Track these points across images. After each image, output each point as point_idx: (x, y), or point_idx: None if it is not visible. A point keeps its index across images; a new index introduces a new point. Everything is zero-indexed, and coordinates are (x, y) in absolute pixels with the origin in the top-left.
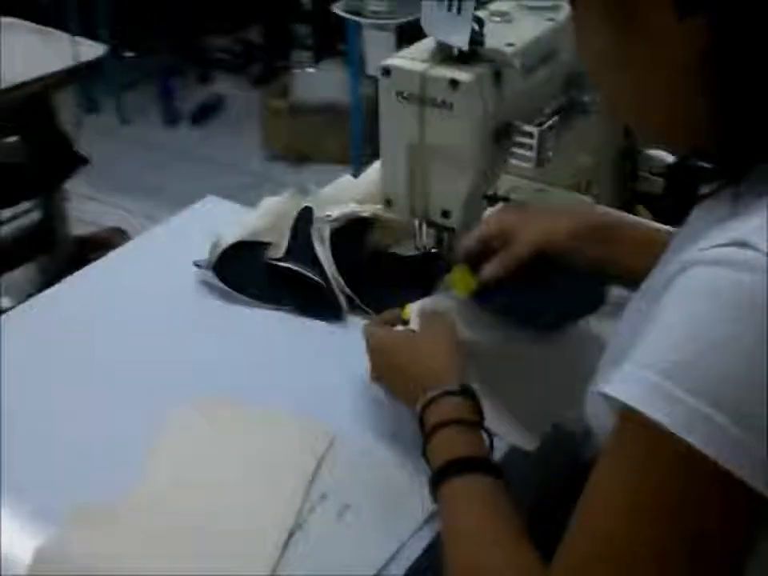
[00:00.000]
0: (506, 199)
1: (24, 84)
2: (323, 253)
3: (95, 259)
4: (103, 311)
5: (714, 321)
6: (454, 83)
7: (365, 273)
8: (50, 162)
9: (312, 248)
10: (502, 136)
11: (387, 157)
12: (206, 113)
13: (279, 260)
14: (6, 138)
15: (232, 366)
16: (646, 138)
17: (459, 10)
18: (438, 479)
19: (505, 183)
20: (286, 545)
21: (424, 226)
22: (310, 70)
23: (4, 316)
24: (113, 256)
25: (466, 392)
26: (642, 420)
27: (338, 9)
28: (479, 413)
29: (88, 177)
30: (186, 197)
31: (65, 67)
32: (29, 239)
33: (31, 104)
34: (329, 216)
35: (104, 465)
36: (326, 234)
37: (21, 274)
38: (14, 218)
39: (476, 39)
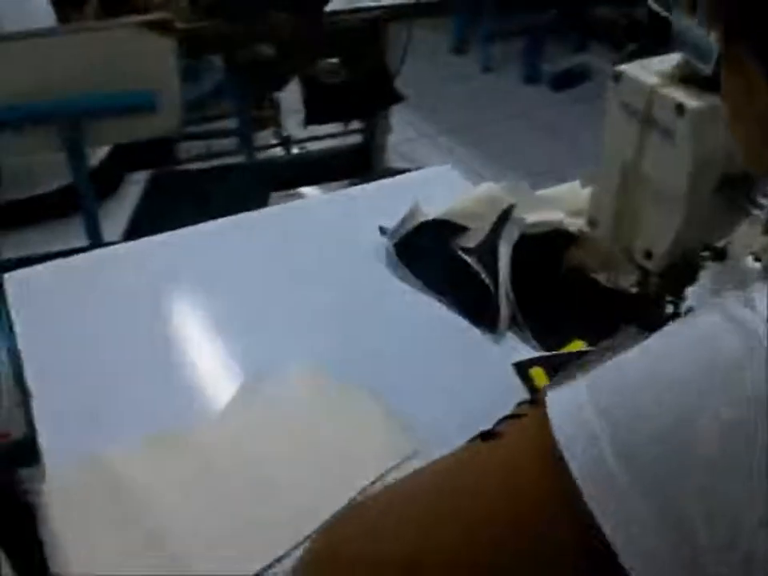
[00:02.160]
0: (758, 258)
1: (357, 10)
2: (504, 256)
3: None
4: (284, 244)
5: (674, 361)
6: (679, 108)
7: (547, 291)
8: (363, 91)
9: (496, 248)
10: (731, 185)
11: (602, 172)
12: (568, 80)
13: (464, 250)
14: (328, 58)
15: (365, 340)
16: None
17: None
18: None
19: (749, 239)
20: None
21: (624, 260)
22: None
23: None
24: (322, 198)
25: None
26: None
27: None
28: None
29: (431, 115)
30: (514, 156)
31: (400, 2)
32: (346, 158)
33: (360, 32)
34: (522, 219)
35: (204, 394)
36: (514, 237)
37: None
38: (334, 135)
39: None
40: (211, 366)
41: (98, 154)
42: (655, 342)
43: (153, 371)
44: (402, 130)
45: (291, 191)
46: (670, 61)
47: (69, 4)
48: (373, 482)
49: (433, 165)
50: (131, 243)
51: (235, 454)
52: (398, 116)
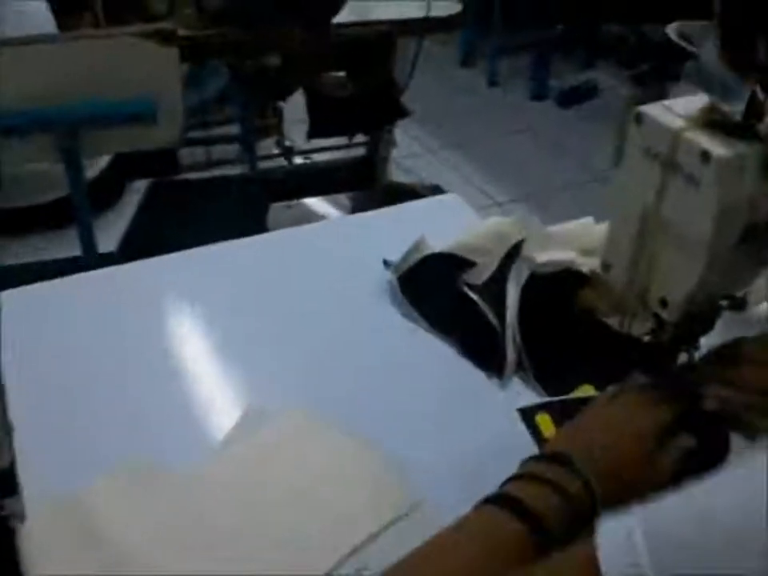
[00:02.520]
0: None
1: (366, 23)
2: (513, 297)
3: None
4: (284, 273)
5: (735, 523)
6: (705, 155)
7: (555, 333)
8: (369, 106)
9: (504, 286)
10: (754, 235)
11: (618, 215)
12: (575, 97)
13: (470, 287)
14: (334, 71)
15: (365, 379)
16: None
17: None
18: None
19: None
20: None
21: (640, 307)
22: (692, 84)
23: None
24: (324, 225)
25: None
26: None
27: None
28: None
29: (436, 129)
30: (519, 172)
31: (410, 17)
32: (349, 171)
33: (368, 45)
34: (533, 258)
35: (195, 430)
36: (523, 276)
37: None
38: (338, 147)
39: (756, 110)
40: (203, 400)
41: (98, 164)
42: (713, 488)
43: (142, 402)
44: (407, 144)
45: (292, 202)
46: (696, 103)
47: (67, 12)
48: (366, 540)
49: (436, 179)
50: (121, 267)
51: (221, 499)
52: (402, 130)
